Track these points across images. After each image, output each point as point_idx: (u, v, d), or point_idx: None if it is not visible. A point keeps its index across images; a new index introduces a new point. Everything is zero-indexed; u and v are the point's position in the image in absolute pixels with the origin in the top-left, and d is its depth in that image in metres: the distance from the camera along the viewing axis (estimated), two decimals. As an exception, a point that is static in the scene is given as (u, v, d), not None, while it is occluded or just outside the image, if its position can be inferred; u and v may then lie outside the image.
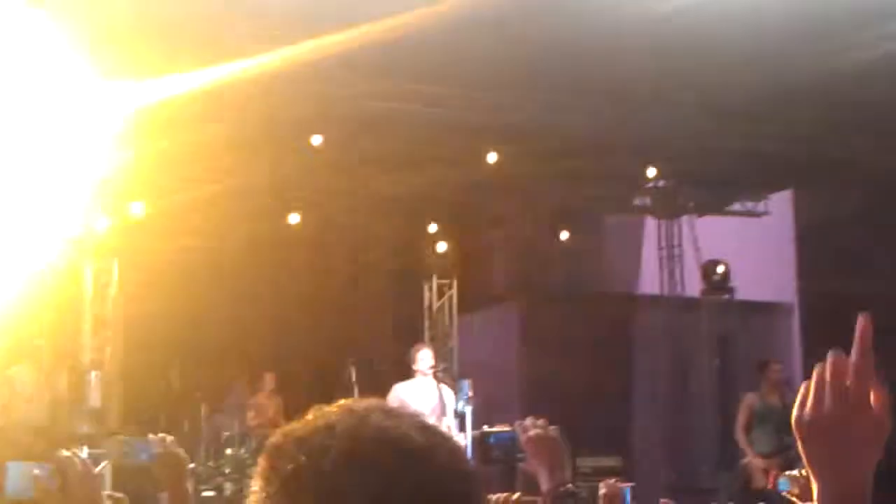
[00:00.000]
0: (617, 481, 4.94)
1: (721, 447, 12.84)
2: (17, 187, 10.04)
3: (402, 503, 1.24)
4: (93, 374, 11.54)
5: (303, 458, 1.26)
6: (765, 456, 11.01)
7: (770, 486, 8.49)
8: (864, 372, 1.53)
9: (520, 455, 3.14)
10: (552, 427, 3.12)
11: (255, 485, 1.30)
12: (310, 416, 1.32)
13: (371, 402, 1.35)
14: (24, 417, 9.80)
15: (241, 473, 11.93)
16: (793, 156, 11.69)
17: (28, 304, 10.13)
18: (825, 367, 1.55)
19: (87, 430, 11.12)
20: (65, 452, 2.21)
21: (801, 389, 1.56)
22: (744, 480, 11.13)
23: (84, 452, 8.85)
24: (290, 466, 1.27)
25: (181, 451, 3.43)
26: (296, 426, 1.31)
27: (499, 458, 3.40)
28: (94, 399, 11.42)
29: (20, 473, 2.25)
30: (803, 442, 1.55)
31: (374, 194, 11.83)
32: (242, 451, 12.08)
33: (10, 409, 9.83)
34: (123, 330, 11.93)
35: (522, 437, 3.09)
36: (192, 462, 11.95)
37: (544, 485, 3.03)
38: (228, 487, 11.90)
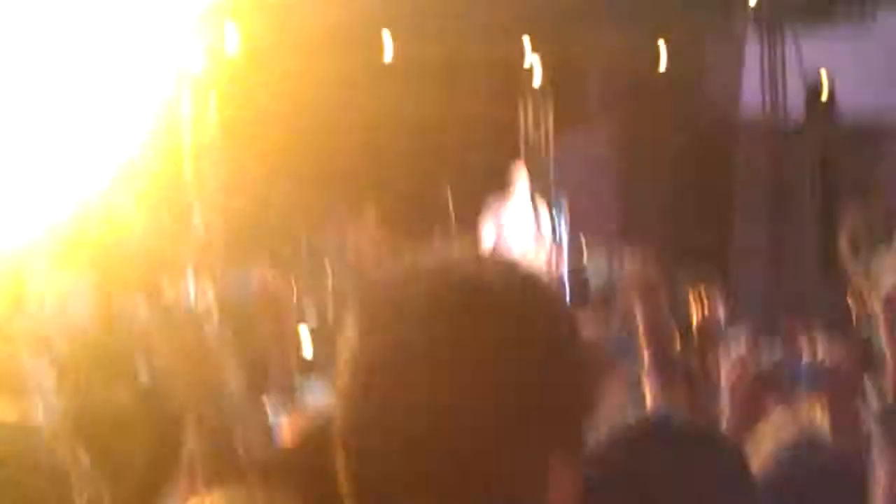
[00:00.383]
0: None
1: (823, 272, 12.70)
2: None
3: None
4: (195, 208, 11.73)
5: (389, 303, 1.28)
6: (867, 273, 10.84)
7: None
8: None
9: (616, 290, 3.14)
10: (649, 261, 3.09)
11: (348, 328, 1.31)
12: (401, 265, 1.33)
13: (466, 252, 1.35)
14: (130, 245, 10.01)
15: (339, 295, 12.09)
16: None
17: (125, 138, 10.28)
18: None
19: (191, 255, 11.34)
20: (167, 294, 2.23)
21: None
22: (847, 301, 11.01)
23: (190, 278, 9.00)
24: (380, 308, 1.29)
25: (283, 287, 3.45)
26: (386, 273, 1.34)
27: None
28: (198, 228, 11.63)
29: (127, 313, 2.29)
30: (885, 315, 1.54)
31: (467, 22, 11.61)
32: (343, 273, 12.19)
33: (119, 241, 10.05)
34: (222, 162, 12.05)
35: (620, 274, 3.08)
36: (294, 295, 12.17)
37: (641, 322, 3.02)
38: (331, 318, 12.08)
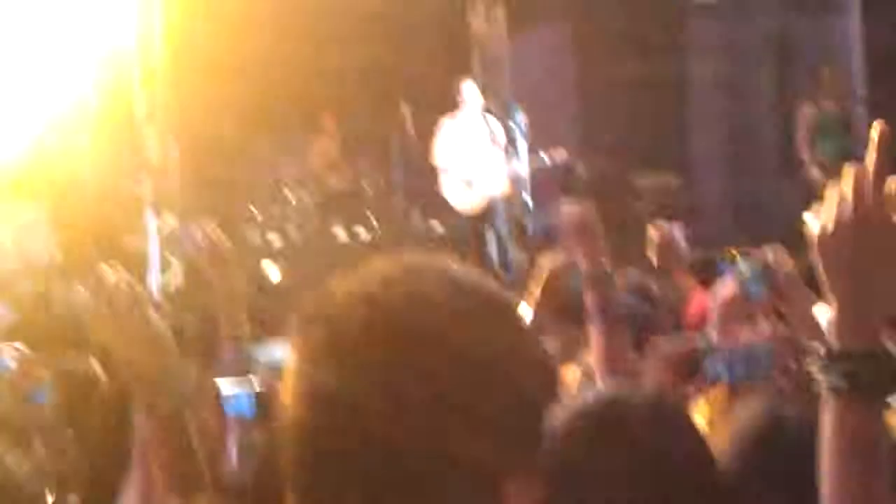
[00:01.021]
0: (668, 227, 4.93)
1: (783, 157, 12.73)
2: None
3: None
4: (148, 129, 11.57)
5: (328, 328, 1.25)
6: (830, 166, 10.90)
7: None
8: (881, 179, 1.48)
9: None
10: (586, 205, 3.07)
11: (290, 350, 1.29)
12: (342, 281, 1.29)
13: (399, 261, 1.30)
14: (88, 181, 9.90)
15: (303, 217, 12.11)
16: None
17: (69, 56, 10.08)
18: (845, 180, 1.49)
19: (148, 189, 11.24)
20: (106, 270, 2.18)
21: (823, 207, 1.52)
22: (807, 193, 11.07)
23: (150, 216, 8.93)
24: (315, 335, 1.25)
25: (224, 240, 3.41)
26: (327, 291, 1.28)
27: (545, 237, 3.42)
28: (153, 153, 11.50)
29: (66, 298, 2.26)
30: (823, 257, 1.51)
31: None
32: (304, 195, 12.20)
33: (73, 175, 9.93)
34: (175, 82, 11.86)
35: (562, 224, 3.06)
36: (255, 210, 12.15)
37: (582, 266, 3.01)
38: (292, 231, 12.10)
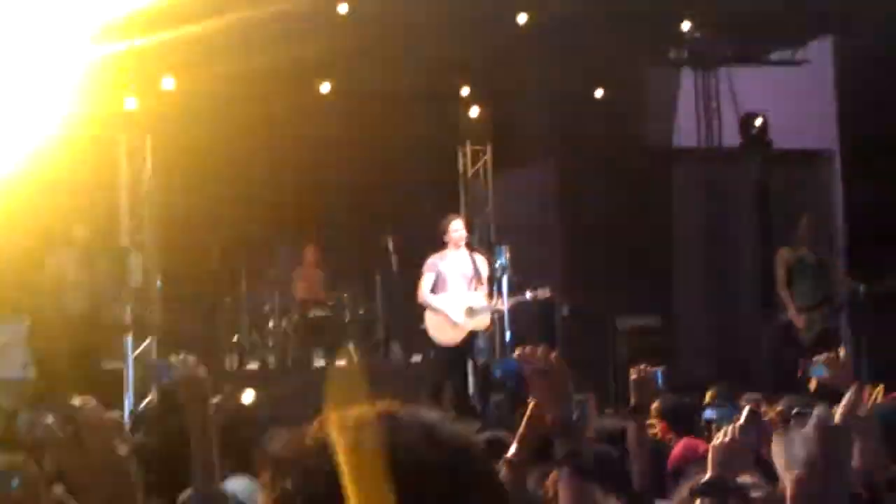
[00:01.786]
0: (647, 367, 4.95)
1: (763, 300, 12.83)
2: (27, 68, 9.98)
3: None
4: (132, 254, 11.65)
5: (295, 478, 1.26)
6: (807, 309, 11.01)
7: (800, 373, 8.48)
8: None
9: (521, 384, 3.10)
10: (553, 355, 3.05)
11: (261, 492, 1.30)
12: (314, 427, 1.30)
13: (376, 411, 1.31)
14: (70, 305, 9.89)
15: (283, 345, 12.11)
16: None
17: (61, 187, 10.17)
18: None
19: (130, 313, 11.27)
20: (76, 401, 2.19)
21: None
22: (787, 335, 11.16)
23: (129, 341, 8.97)
24: (284, 485, 1.27)
25: (202, 371, 3.44)
26: (298, 438, 1.30)
27: (512, 389, 3.40)
28: (136, 280, 11.55)
29: (31, 422, 2.24)
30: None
31: (404, 61, 11.65)
32: (284, 322, 12.23)
33: (53, 298, 9.92)
34: (160, 209, 11.98)
35: (524, 370, 3.03)
36: (234, 336, 12.17)
37: (550, 414, 3.00)
38: (272, 360, 12.10)
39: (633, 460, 4.52)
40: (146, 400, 11.29)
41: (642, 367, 4.92)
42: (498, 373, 10.63)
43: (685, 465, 4.65)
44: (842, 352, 4.57)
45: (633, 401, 4.83)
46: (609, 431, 4.56)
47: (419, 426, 1.29)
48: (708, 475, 3.04)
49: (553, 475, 3.43)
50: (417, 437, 1.27)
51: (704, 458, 4.66)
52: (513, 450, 3.41)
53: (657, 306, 12.78)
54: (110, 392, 10.45)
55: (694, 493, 3.02)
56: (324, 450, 1.26)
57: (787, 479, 1.58)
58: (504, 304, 10.23)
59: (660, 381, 5.30)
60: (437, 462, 1.26)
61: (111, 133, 11.81)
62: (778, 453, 1.57)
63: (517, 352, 3.06)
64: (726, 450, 3.07)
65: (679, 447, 5.17)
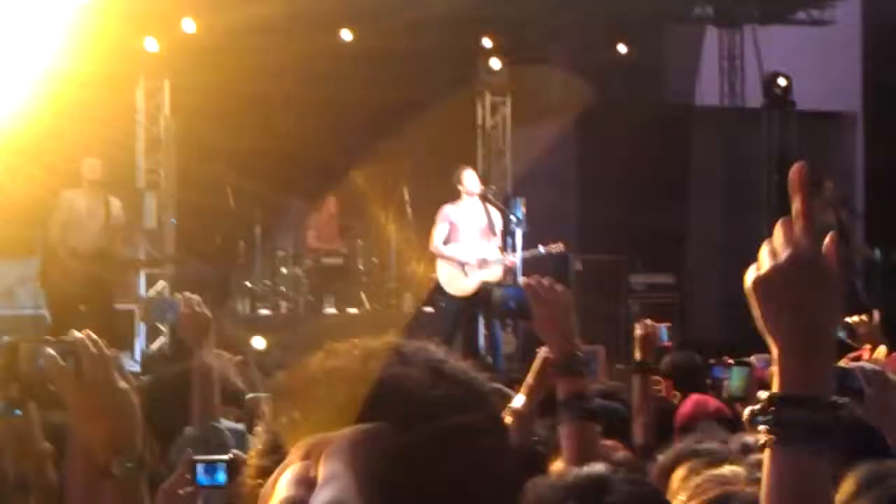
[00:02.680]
0: (652, 322, 4.92)
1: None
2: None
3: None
4: (147, 195, 11.66)
5: (303, 407, 1.23)
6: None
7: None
8: (807, 222, 1.52)
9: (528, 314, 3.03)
10: (559, 287, 3.02)
11: (261, 426, 1.27)
12: (322, 355, 1.27)
13: (383, 343, 1.28)
14: (80, 241, 9.89)
15: (295, 292, 12.11)
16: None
17: (77, 126, 10.14)
18: (777, 229, 1.53)
19: (143, 254, 11.29)
20: (77, 334, 2.17)
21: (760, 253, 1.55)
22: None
23: (141, 278, 8.97)
24: (291, 414, 1.23)
25: (205, 311, 3.43)
26: (307, 365, 1.26)
27: (512, 311, 3.34)
28: (150, 221, 11.56)
29: (37, 353, 2.22)
30: (760, 302, 1.52)
31: (427, 11, 11.55)
32: (297, 269, 12.22)
33: (65, 234, 9.91)
34: (176, 151, 11.96)
35: (530, 297, 2.99)
36: (247, 281, 12.19)
37: (551, 349, 2.97)
38: (283, 306, 12.10)
39: (635, 415, 4.50)
40: (157, 340, 11.34)
41: (648, 322, 4.90)
42: (508, 302, 10.53)
43: (694, 421, 4.61)
44: (876, 315, 4.53)
45: (637, 356, 4.82)
46: (608, 392, 4.53)
47: (426, 360, 1.26)
48: None
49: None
50: (424, 370, 1.24)
51: (714, 415, 4.65)
52: (520, 400, 3.39)
53: (671, 264, 12.72)
54: (122, 332, 10.49)
55: None
56: (331, 378, 1.23)
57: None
58: (517, 256, 10.19)
59: (665, 337, 5.25)
60: (445, 396, 1.23)
61: (130, 73, 11.77)
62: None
63: (523, 280, 3.03)
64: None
65: (688, 403, 5.12)
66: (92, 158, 10.10)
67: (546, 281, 3.01)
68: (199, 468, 2.70)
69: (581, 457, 2.72)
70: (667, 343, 5.33)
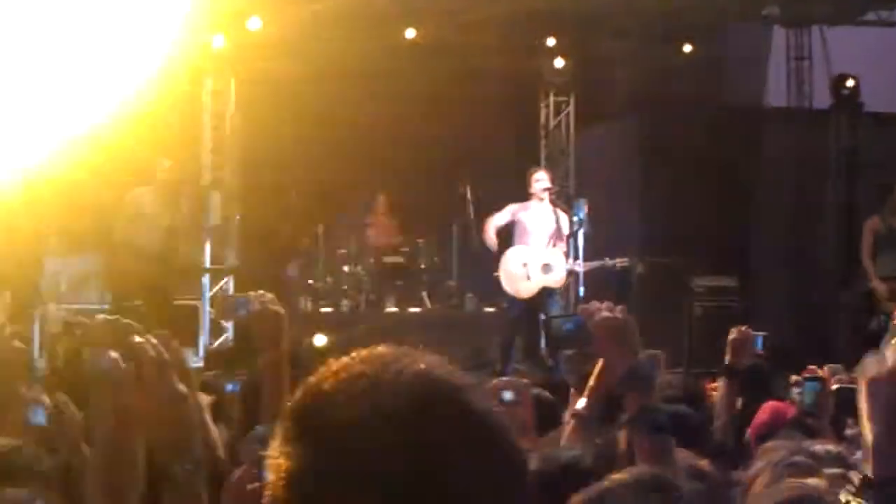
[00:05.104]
0: (748, 328, 4.85)
1: (845, 267, 12.57)
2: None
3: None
4: (212, 193, 11.77)
5: (327, 417, 1.25)
6: (888, 279, 10.76)
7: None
8: None
9: (588, 340, 3.02)
10: (619, 308, 3.00)
11: (280, 446, 1.28)
12: (337, 368, 1.29)
13: (395, 350, 1.31)
14: (145, 240, 10.00)
15: (357, 289, 12.16)
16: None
17: (147, 124, 10.25)
18: None
19: (208, 251, 11.36)
20: (137, 339, 2.19)
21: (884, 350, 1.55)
22: (868, 303, 10.92)
23: (206, 278, 8.94)
24: (315, 425, 1.25)
25: (279, 308, 3.42)
26: (321, 380, 1.28)
27: (568, 345, 3.32)
28: (215, 218, 11.67)
29: (95, 357, 2.24)
30: (870, 396, 1.53)
31: (491, 10, 11.54)
32: (359, 267, 12.27)
33: (131, 231, 10.03)
34: (241, 149, 12.07)
35: (589, 322, 2.98)
36: (309, 279, 12.25)
37: (616, 369, 2.94)
38: (345, 304, 12.16)
39: (717, 418, 4.45)
40: (221, 337, 11.45)
41: (743, 327, 4.84)
42: (568, 326, 10.50)
43: (772, 430, 4.54)
44: None
45: (728, 359, 4.75)
46: (684, 390, 4.47)
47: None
48: None
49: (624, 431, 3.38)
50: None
51: (792, 423, 4.58)
52: (582, 403, 3.37)
53: (735, 268, 12.58)
54: (184, 328, 10.59)
55: None
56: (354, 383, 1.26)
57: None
58: (580, 265, 10.15)
59: (760, 345, 5.14)
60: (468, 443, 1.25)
61: (197, 72, 11.89)
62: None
63: (581, 307, 3.02)
64: None
65: (765, 411, 5.04)
66: (166, 159, 10.23)
67: (604, 304, 2.99)
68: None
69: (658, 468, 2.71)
70: (761, 352, 5.22)
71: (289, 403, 1.29)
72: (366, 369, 1.28)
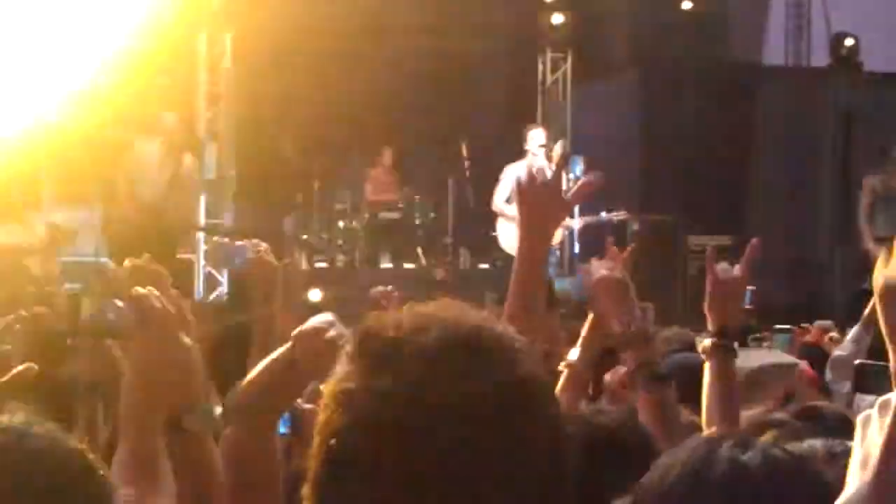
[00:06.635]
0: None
1: (841, 226, 12.58)
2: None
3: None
4: (208, 147, 11.70)
5: (391, 341, 1.28)
6: (884, 240, 10.75)
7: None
8: None
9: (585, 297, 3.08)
10: (617, 267, 3.03)
11: (342, 365, 1.31)
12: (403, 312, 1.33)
13: (459, 306, 1.35)
14: (147, 193, 9.95)
15: (352, 245, 12.15)
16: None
17: (144, 77, 10.17)
18: None
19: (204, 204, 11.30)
20: (141, 290, 2.17)
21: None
22: (864, 264, 10.93)
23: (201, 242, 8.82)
24: (378, 347, 1.28)
25: (272, 259, 3.39)
26: (388, 318, 1.32)
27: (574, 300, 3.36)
28: (210, 172, 11.62)
29: (105, 307, 2.23)
30: (887, 307, 1.48)
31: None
32: (354, 223, 12.25)
33: (133, 183, 9.98)
34: (237, 103, 11.99)
35: (587, 280, 3.01)
36: (304, 234, 12.22)
37: (613, 326, 2.97)
38: (341, 259, 12.15)
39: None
40: (216, 291, 11.44)
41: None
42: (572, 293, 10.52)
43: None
44: None
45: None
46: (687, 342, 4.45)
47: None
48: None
49: (619, 371, 3.40)
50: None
51: (810, 384, 4.59)
52: (575, 354, 3.38)
53: (731, 226, 12.58)
54: (181, 282, 10.56)
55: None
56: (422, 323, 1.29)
57: None
58: (576, 221, 10.13)
59: (748, 299, 5.13)
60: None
61: (193, 25, 11.79)
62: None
63: (581, 266, 3.04)
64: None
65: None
66: (170, 113, 10.15)
67: (604, 264, 3.03)
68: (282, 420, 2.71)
69: (662, 423, 2.74)
70: (749, 306, 5.21)
71: (362, 330, 1.31)
72: (436, 312, 1.32)
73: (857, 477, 1.43)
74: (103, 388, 3.16)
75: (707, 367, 2.90)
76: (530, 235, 2.58)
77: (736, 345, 3.00)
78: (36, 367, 2.75)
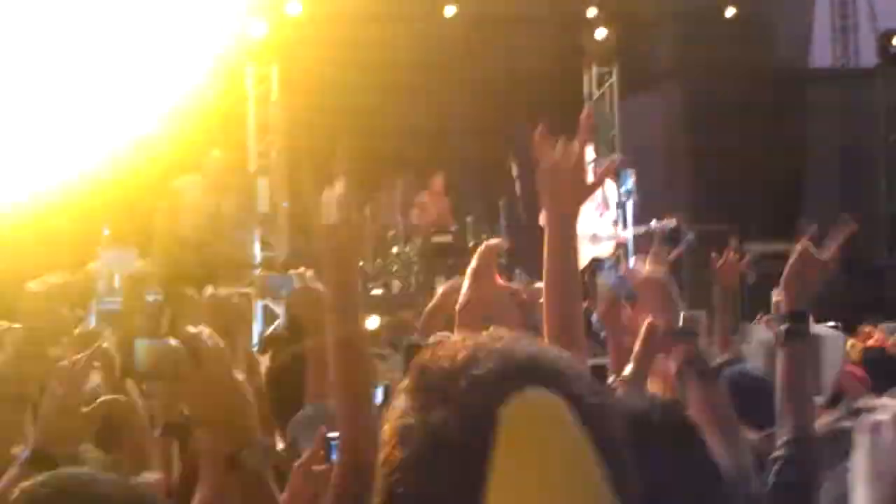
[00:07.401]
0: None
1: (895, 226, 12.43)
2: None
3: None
4: (260, 180, 11.81)
5: (446, 373, 1.30)
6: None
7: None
8: None
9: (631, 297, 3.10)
10: (661, 269, 3.06)
11: (400, 402, 1.33)
12: (456, 342, 1.35)
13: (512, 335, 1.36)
14: (187, 230, 10.04)
15: (407, 271, 12.15)
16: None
17: (191, 113, 10.30)
18: None
19: (258, 239, 11.35)
20: (192, 329, 2.20)
21: None
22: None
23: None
24: (434, 381, 1.30)
25: (319, 286, 3.40)
26: (443, 351, 1.34)
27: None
28: (263, 205, 11.72)
29: (149, 349, 2.26)
30: None
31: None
32: (408, 248, 12.26)
33: (176, 221, 10.08)
34: (286, 135, 12.09)
35: (633, 281, 3.04)
36: (359, 261, 12.20)
37: (661, 324, 2.98)
38: (395, 285, 12.16)
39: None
40: (274, 324, 11.49)
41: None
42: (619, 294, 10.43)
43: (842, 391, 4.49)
44: None
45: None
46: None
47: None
48: None
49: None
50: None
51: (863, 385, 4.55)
52: (629, 368, 3.39)
53: (785, 233, 12.45)
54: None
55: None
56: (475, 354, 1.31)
57: None
58: (629, 232, 10.10)
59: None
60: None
61: (239, 59, 11.92)
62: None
63: (627, 271, 3.06)
64: None
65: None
66: (216, 150, 10.26)
67: (650, 269, 3.06)
68: (333, 445, 2.75)
69: (712, 418, 2.74)
70: None
71: (418, 365, 1.34)
72: (489, 343, 1.34)
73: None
74: (174, 429, 3.22)
75: (779, 352, 2.90)
76: (554, 222, 2.57)
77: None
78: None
